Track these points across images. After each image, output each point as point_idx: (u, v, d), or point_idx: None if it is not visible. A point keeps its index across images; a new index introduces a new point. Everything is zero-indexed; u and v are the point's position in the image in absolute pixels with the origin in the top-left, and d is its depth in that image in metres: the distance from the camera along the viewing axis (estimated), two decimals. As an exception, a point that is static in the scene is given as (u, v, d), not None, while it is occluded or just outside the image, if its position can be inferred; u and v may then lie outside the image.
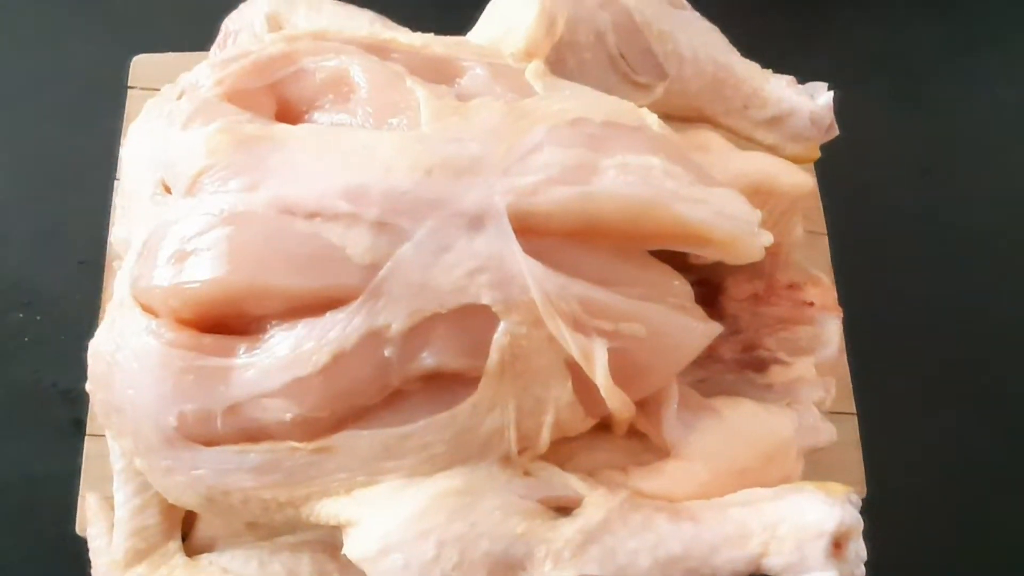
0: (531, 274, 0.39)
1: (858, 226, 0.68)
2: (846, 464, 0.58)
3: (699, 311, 0.44)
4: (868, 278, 0.67)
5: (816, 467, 0.51)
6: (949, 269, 0.72)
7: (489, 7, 0.53)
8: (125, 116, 0.61)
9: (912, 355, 0.69)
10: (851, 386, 0.60)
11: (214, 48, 0.57)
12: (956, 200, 0.74)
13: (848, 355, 0.60)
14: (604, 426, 0.46)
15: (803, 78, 0.58)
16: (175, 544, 0.49)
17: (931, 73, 0.79)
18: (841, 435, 0.54)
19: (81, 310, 0.60)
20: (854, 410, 0.61)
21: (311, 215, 0.39)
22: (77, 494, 0.53)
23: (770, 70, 0.57)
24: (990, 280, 0.72)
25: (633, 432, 0.46)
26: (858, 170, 0.72)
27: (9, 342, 0.62)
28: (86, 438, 0.54)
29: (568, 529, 0.40)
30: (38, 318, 0.63)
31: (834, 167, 0.62)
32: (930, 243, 0.73)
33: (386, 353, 0.39)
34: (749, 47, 0.58)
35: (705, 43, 0.55)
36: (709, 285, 0.54)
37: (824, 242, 0.65)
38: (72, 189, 0.65)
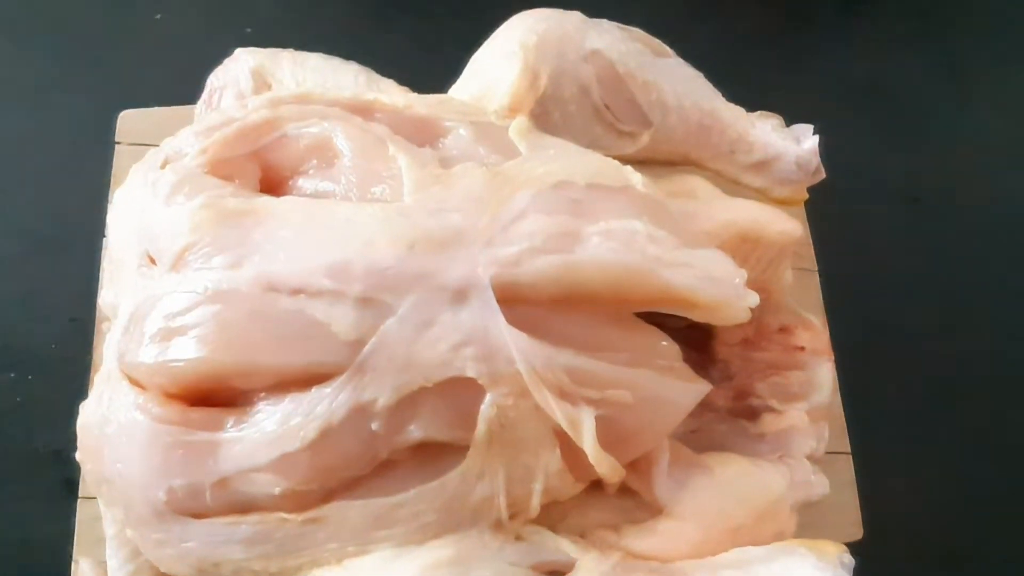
0: (516, 346, 0.39)
1: (848, 260, 0.68)
2: (841, 504, 0.58)
3: (687, 371, 0.44)
4: (860, 312, 0.67)
5: (811, 508, 0.50)
6: (942, 300, 0.72)
7: (472, 62, 0.53)
8: (113, 171, 0.60)
9: (907, 390, 0.68)
10: (845, 426, 0.60)
11: (200, 104, 0.57)
12: (946, 229, 0.74)
13: (841, 392, 0.60)
14: (596, 485, 0.46)
15: (789, 110, 0.59)
16: (169, 610, 0.49)
17: (917, 103, 0.79)
18: (835, 475, 0.54)
19: (72, 369, 0.60)
20: (848, 449, 0.61)
21: (295, 292, 0.39)
22: (69, 554, 0.52)
23: (756, 114, 0.57)
24: (984, 311, 0.72)
25: (625, 489, 0.46)
26: (846, 202, 0.72)
27: (0, 403, 0.62)
28: (79, 500, 0.54)
29: (560, 597, 0.40)
30: (29, 378, 0.62)
31: (822, 200, 0.62)
32: (922, 275, 0.73)
33: (373, 427, 0.39)
34: (735, 80, 0.58)
35: (689, 90, 0.55)
36: (699, 330, 0.54)
37: (815, 279, 0.64)
38: (61, 246, 0.65)
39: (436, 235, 0.39)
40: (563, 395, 0.39)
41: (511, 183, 0.42)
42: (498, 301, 0.39)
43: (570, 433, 0.40)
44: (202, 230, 0.40)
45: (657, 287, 0.41)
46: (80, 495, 0.54)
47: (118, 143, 0.61)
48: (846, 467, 0.60)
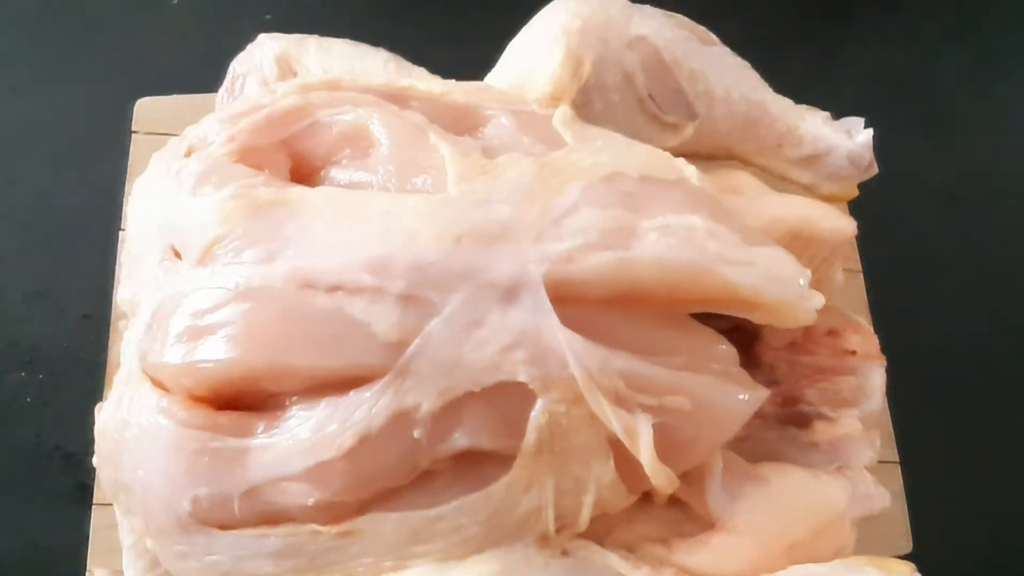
0: (571, 349, 0.36)
1: (891, 260, 0.66)
2: (890, 516, 0.55)
3: (745, 377, 0.42)
4: (904, 314, 0.64)
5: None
6: (986, 300, 0.69)
7: (509, 49, 0.51)
8: (129, 162, 0.58)
9: (953, 395, 0.66)
10: (893, 434, 0.58)
11: (221, 92, 0.54)
12: (984, 227, 0.72)
13: (888, 399, 0.57)
14: (644, 496, 0.43)
15: (823, 106, 0.56)
16: (189, 624, 0.46)
17: (953, 99, 0.77)
18: (884, 484, 0.51)
19: (85, 368, 0.58)
20: (896, 458, 0.58)
21: (333, 289, 0.36)
22: (84, 564, 0.50)
23: (804, 106, 0.55)
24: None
25: (673, 500, 0.44)
26: (887, 201, 0.70)
27: (10, 403, 0.59)
28: (94, 507, 0.51)
29: (612, 617, 0.38)
30: (40, 377, 0.60)
31: (863, 199, 0.59)
32: (965, 274, 0.70)
33: (415, 434, 0.36)
34: (773, 77, 0.55)
35: (737, 81, 0.52)
36: (744, 332, 0.51)
37: (860, 280, 0.62)
38: (75, 239, 0.62)
39: (483, 228, 0.37)
40: (619, 401, 0.37)
41: (560, 174, 0.39)
42: (550, 300, 0.36)
43: (625, 442, 0.37)
44: (232, 222, 0.38)
45: (719, 287, 0.38)
46: (95, 502, 0.51)
47: (135, 132, 0.59)
48: (894, 477, 0.58)
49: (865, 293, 0.61)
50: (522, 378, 0.36)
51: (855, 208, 0.60)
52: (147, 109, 0.59)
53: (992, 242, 0.72)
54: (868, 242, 0.62)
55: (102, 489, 0.51)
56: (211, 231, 0.38)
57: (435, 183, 0.39)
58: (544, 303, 0.36)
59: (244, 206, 0.38)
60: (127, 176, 0.57)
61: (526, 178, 0.39)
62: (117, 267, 0.54)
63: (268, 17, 0.71)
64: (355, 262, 0.36)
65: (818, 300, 0.40)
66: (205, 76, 0.55)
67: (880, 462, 0.54)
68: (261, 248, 0.37)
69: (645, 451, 0.37)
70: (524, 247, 0.37)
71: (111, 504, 0.47)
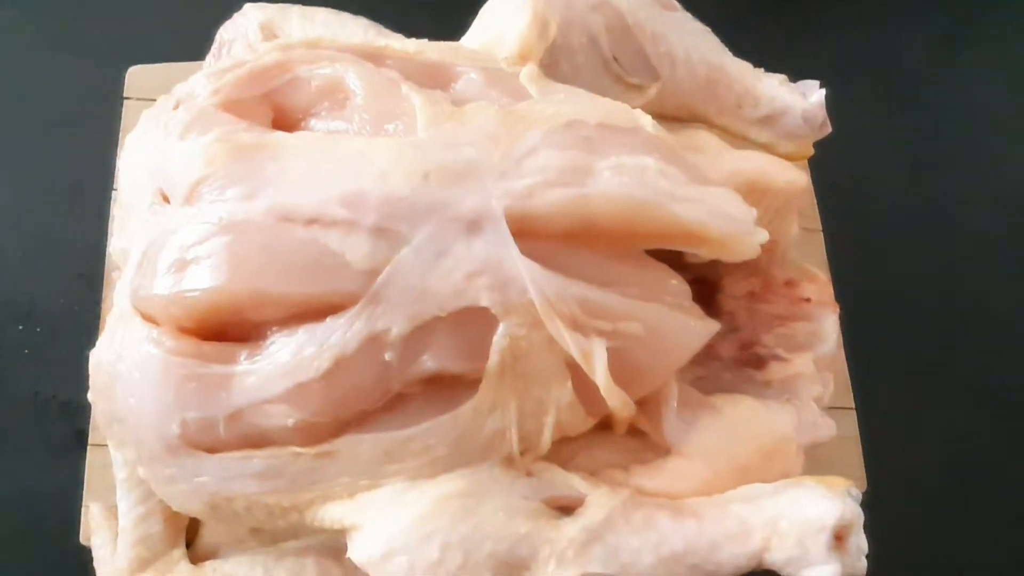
0: (529, 276, 0.39)
1: (852, 222, 0.69)
2: (845, 459, 0.58)
3: (697, 310, 0.45)
4: (863, 274, 0.67)
5: (816, 463, 0.51)
6: (944, 263, 0.73)
7: (482, 12, 0.54)
8: (121, 127, 0.61)
9: (909, 349, 0.69)
10: (849, 382, 0.61)
11: (209, 58, 0.57)
12: (948, 195, 0.75)
13: (845, 351, 0.60)
14: (604, 425, 0.46)
15: (794, 77, 0.59)
16: (179, 552, 0.49)
17: (921, 70, 0.80)
18: (840, 431, 0.54)
19: (80, 322, 0.60)
20: (852, 405, 0.61)
21: (309, 222, 0.39)
22: (79, 506, 0.53)
23: (762, 69, 0.58)
24: (985, 273, 0.72)
25: (633, 431, 0.47)
26: (850, 167, 0.73)
27: (8, 355, 0.62)
28: (88, 448, 0.54)
29: (571, 528, 0.41)
30: (37, 330, 0.63)
31: (827, 164, 0.62)
32: (924, 238, 0.73)
33: (387, 357, 0.39)
34: (740, 47, 0.58)
35: (697, 44, 0.55)
36: (706, 283, 0.54)
37: (819, 239, 0.65)
38: (69, 201, 0.65)
39: (450, 167, 0.40)
40: (575, 326, 0.40)
41: (523, 121, 0.42)
42: (511, 233, 0.39)
43: (582, 364, 0.40)
44: (216, 163, 0.40)
45: (668, 221, 0.41)
46: (90, 443, 0.54)
47: (127, 98, 0.62)
48: (850, 423, 0.60)
49: (824, 251, 0.64)
50: (484, 303, 0.39)
51: (820, 172, 0.63)
52: (138, 76, 0.62)
53: (952, 208, 0.75)
54: (830, 204, 0.64)
55: (97, 430, 0.53)
56: (196, 172, 0.41)
57: (407, 128, 0.42)
58: (505, 234, 0.39)
59: (227, 149, 0.41)
60: (119, 140, 0.60)
61: (491, 124, 0.42)
62: (110, 224, 0.57)
63: (256, -12, 0.73)
64: (330, 197, 0.39)
65: (762, 235, 0.43)
66: (194, 45, 0.58)
67: (836, 408, 0.57)
68: (243, 186, 0.40)
69: (600, 373, 0.40)
70: (487, 184, 0.40)
71: (106, 445, 0.50)
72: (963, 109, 0.78)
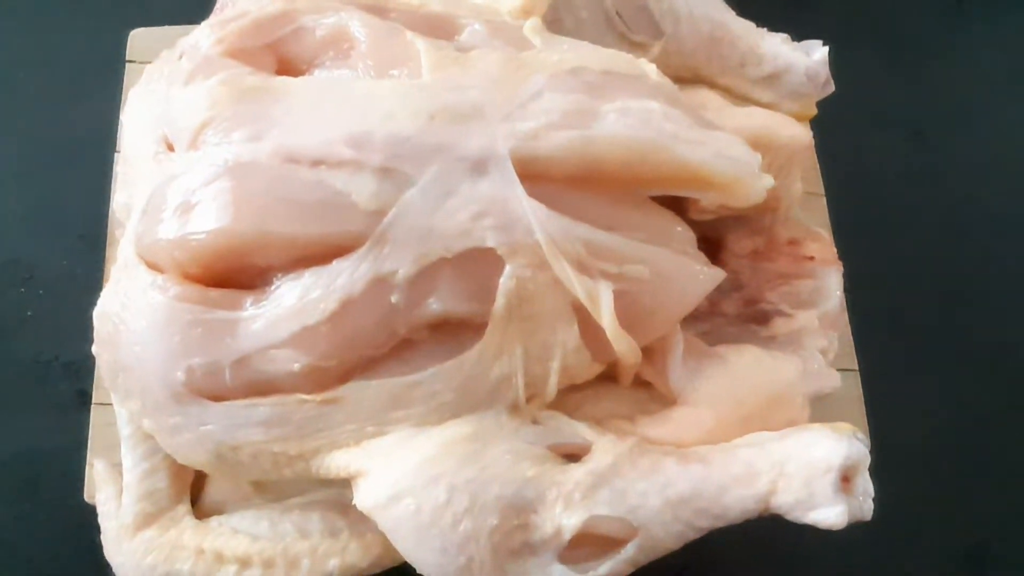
0: (535, 216, 0.39)
1: (854, 187, 0.69)
2: (848, 421, 0.58)
3: (702, 257, 0.44)
4: (866, 238, 0.67)
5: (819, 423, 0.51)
6: (945, 227, 0.73)
7: (485, -32, 0.54)
8: (124, 89, 0.60)
9: (912, 312, 0.69)
10: (853, 343, 0.61)
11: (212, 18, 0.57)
12: (950, 159, 0.75)
13: (849, 313, 0.60)
14: (610, 377, 0.46)
15: (795, 39, 0.59)
16: (184, 507, 0.49)
17: (923, 35, 0.80)
18: (843, 391, 0.54)
19: (82, 284, 0.60)
20: (856, 367, 0.61)
21: (315, 163, 0.39)
22: (83, 466, 0.52)
23: (765, 28, 0.58)
24: (987, 235, 0.73)
25: (639, 382, 0.47)
26: (853, 132, 0.73)
27: (10, 317, 0.62)
28: (92, 407, 0.54)
29: (578, 472, 0.41)
30: (40, 292, 0.62)
31: (829, 129, 0.62)
32: (926, 202, 0.73)
33: (393, 299, 0.39)
34: (741, 9, 0.58)
35: (701, 2, 0.55)
36: (709, 241, 0.54)
37: (822, 203, 0.65)
38: (71, 163, 0.65)
39: (456, 108, 0.40)
40: (581, 268, 0.40)
41: (527, 67, 0.42)
42: (517, 175, 0.39)
43: (588, 306, 0.40)
44: (221, 105, 0.40)
45: (673, 163, 0.41)
46: (93, 402, 0.54)
47: (130, 62, 0.61)
48: (854, 384, 0.60)
49: (827, 215, 0.64)
50: (490, 243, 0.39)
51: (822, 137, 0.63)
52: (141, 39, 0.62)
53: (954, 173, 0.75)
54: (833, 169, 0.64)
55: (100, 388, 0.53)
56: (201, 115, 0.41)
57: (412, 73, 0.42)
58: (511, 175, 0.39)
59: (232, 91, 0.40)
60: (121, 103, 0.59)
61: (496, 69, 0.42)
62: (112, 184, 0.56)
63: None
64: (336, 138, 0.39)
65: (768, 180, 0.43)
66: (197, 7, 0.58)
67: (840, 369, 0.57)
68: (248, 128, 0.40)
69: (606, 315, 0.40)
70: (493, 125, 0.40)
71: (109, 404, 0.50)
72: (966, 74, 0.79)
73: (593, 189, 0.41)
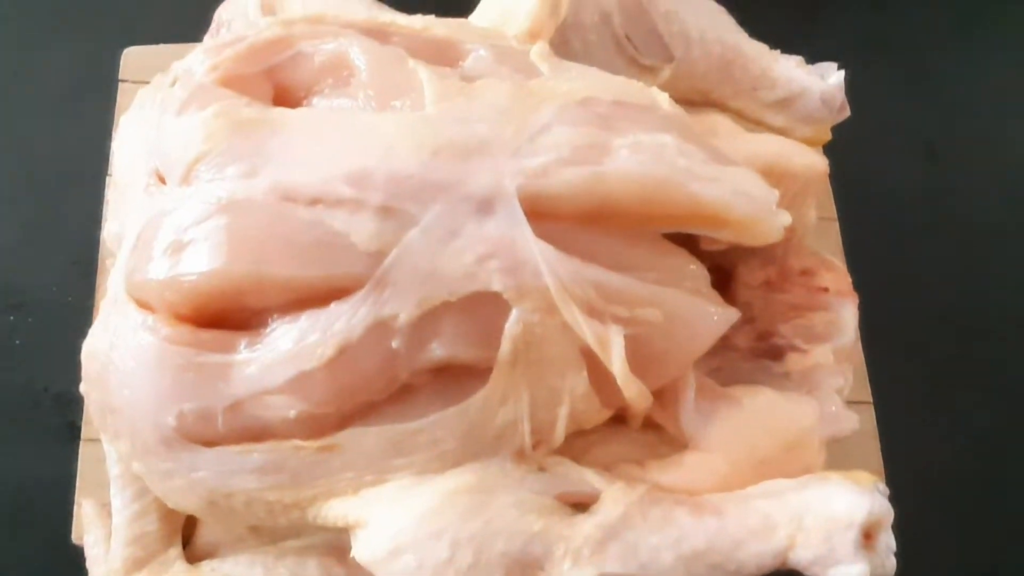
0: (544, 258, 0.37)
1: (867, 211, 0.67)
2: (863, 456, 0.56)
3: (716, 296, 0.43)
4: (879, 264, 0.65)
5: (832, 460, 0.49)
6: (962, 252, 0.70)
7: (490, -11, 0.52)
8: (116, 110, 0.59)
9: (927, 341, 0.67)
10: (867, 375, 0.59)
11: (207, 39, 0.55)
12: (966, 182, 0.73)
13: (861, 343, 0.58)
14: (619, 419, 0.44)
15: (808, 61, 0.57)
16: (175, 551, 0.47)
17: (937, 55, 0.78)
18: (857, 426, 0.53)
19: (73, 312, 0.58)
20: (870, 399, 0.59)
21: (313, 201, 0.37)
22: (73, 500, 0.51)
23: (778, 51, 0.56)
24: (1005, 262, 0.70)
25: (649, 424, 0.45)
26: (865, 154, 0.71)
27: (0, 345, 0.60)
28: (81, 443, 0.52)
29: (587, 525, 0.39)
30: (29, 320, 0.61)
31: (841, 151, 0.61)
32: (942, 226, 0.71)
33: (394, 344, 0.37)
34: (752, 29, 0.56)
35: (713, 23, 0.54)
36: (720, 272, 0.52)
37: (835, 228, 0.63)
38: (63, 187, 0.63)
39: (461, 143, 0.38)
40: (591, 312, 0.38)
41: (536, 97, 0.41)
42: (525, 214, 0.37)
43: (598, 352, 0.38)
44: (215, 139, 0.38)
45: (688, 200, 0.39)
46: (83, 437, 0.52)
47: (123, 81, 0.60)
48: (868, 417, 0.59)
49: (840, 240, 0.62)
50: (496, 287, 0.37)
51: (834, 159, 0.61)
52: (135, 58, 0.60)
53: (969, 196, 0.73)
54: (846, 192, 0.63)
55: (90, 424, 0.51)
56: (194, 149, 0.39)
57: (414, 104, 0.40)
58: (518, 215, 0.37)
59: (227, 124, 0.39)
60: (115, 124, 0.58)
61: (503, 99, 0.40)
62: (104, 210, 0.55)
63: (255, -29, 0.71)
64: (335, 175, 0.37)
65: (785, 218, 0.41)
66: (192, 25, 0.56)
67: (853, 402, 0.55)
68: (243, 164, 0.38)
69: (617, 361, 0.38)
70: (500, 161, 0.38)
71: (99, 440, 0.48)
72: (981, 94, 0.77)
73: (604, 227, 0.40)
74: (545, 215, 0.38)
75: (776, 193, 0.41)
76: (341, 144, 0.38)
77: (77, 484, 0.51)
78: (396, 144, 0.37)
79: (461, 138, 0.38)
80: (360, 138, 0.38)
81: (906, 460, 0.57)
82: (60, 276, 0.61)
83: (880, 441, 0.58)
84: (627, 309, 0.39)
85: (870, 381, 0.59)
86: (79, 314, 0.56)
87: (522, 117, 0.39)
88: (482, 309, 0.37)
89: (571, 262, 0.38)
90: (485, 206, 0.37)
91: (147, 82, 0.60)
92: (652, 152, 0.39)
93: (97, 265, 0.55)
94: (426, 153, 0.37)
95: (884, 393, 0.58)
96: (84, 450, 0.52)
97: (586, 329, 0.38)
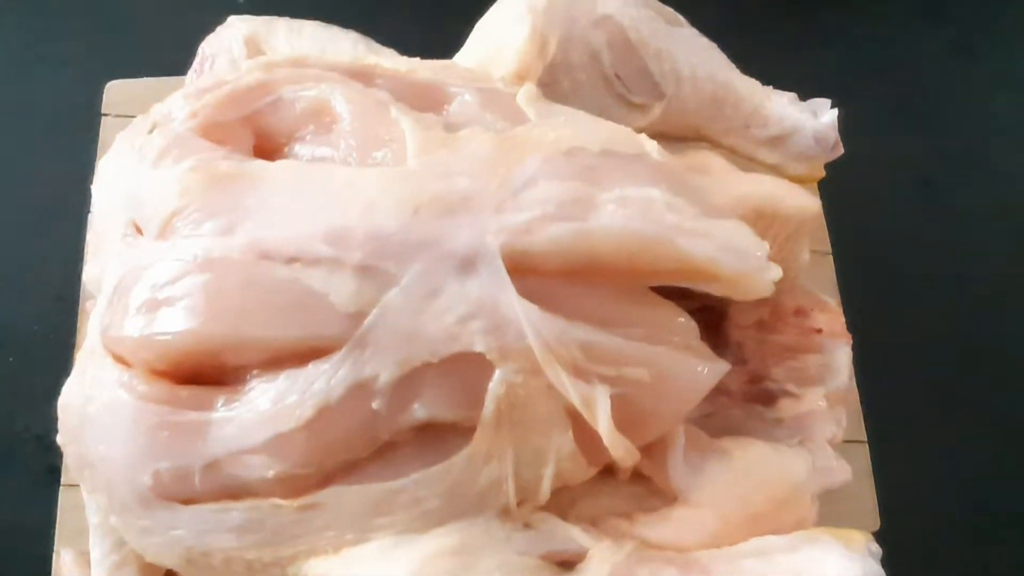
0: (527, 319, 0.36)
1: (862, 243, 0.66)
2: (857, 496, 0.56)
3: (705, 350, 0.42)
4: (874, 298, 0.65)
5: (825, 500, 0.48)
6: (959, 285, 0.70)
7: (477, 27, 0.51)
8: (100, 144, 0.58)
9: (924, 377, 0.66)
10: (861, 413, 0.58)
11: (191, 73, 0.54)
12: (962, 214, 0.72)
13: (856, 379, 0.57)
14: (607, 471, 0.43)
15: (799, 89, 0.56)
16: (155, 603, 0.46)
17: (931, 85, 0.77)
18: (852, 464, 0.52)
19: (56, 349, 0.57)
20: (864, 437, 0.58)
21: (291, 260, 0.36)
22: (51, 545, 0.50)
23: (771, 87, 0.55)
24: (1004, 295, 0.70)
25: (637, 476, 0.44)
26: (858, 184, 0.70)
27: (-20, 384, 0.59)
28: (61, 488, 0.51)
29: (572, 588, 0.38)
30: (10, 359, 0.60)
31: (835, 183, 0.60)
32: (938, 259, 0.70)
33: (374, 405, 0.37)
34: (743, 58, 0.56)
35: (704, 61, 0.53)
36: (712, 312, 0.52)
37: (829, 262, 0.62)
38: (46, 221, 0.62)
39: (442, 199, 0.37)
40: (577, 372, 0.37)
41: (520, 148, 0.40)
42: (508, 272, 0.37)
43: (584, 413, 0.37)
44: (191, 194, 0.38)
45: (676, 257, 0.38)
46: (63, 482, 0.51)
47: (105, 115, 0.59)
48: (862, 456, 0.58)
49: (835, 275, 0.61)
50: (479, 348, 0.36)
51: (828, 192, 0.60)
52: (118, 91, 0.59)
53: (966, 227, 0.72)
54: (840, 225, 0.62)
55: (69, 469, 0.50)
56: (171, 203, 0.38)
57: (396, 157, 0.39)
58: (501, 274, 0.36)
59: (204, 178, 0.38)
60: (97, 159, 0.57)
61: (486, 151, 0.39)
62: (86, 247, 0.54)
63: (242, 1, 0.71)
64: (313, 233, 0.36)
65: (775, 272, 0.40)
66: (178, 58, 0.55)
67: (848, 441, 0.55)
68: (220, 220, 0.37)
69: (603, 422, 0.37)
70: (482, 218, 0.37)
71: (78, 485, 0.47)
72: (976, 124, 0.76)
73: (589, 282, 0.39)
74: (529, 271, 0.37)
75: (766, 246, 0.40)
76: (320, 200, 0.37)
77: (56, 531, 0.50)
78: (376, 201, 0.37)
79: (443, 194, 0.37)
80: (339, 194, 0.37)
81: (901, 499, 0.56)
82: (43, 313, 0.60)
83: (875, 481, 0.57)
84: (614, 368, 0.38)
85: (864, 419, 0.58)
86: (62, 352, 0.55)
87: (506, 170, 0.38)
88: (465, 370, 0.37)
89: (556, 321, 0.37)
90: (467, 264, 0.36)
91: (130, 116, 0.59)
92: (639, 207, 0.38)
93: (80, 301, 0.54)
94: (407, 210, 0.36)
95: (879, 432, 0.58)
96: (64, 496, 0.51)
97: (571, 390, 0.37)
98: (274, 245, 0.36)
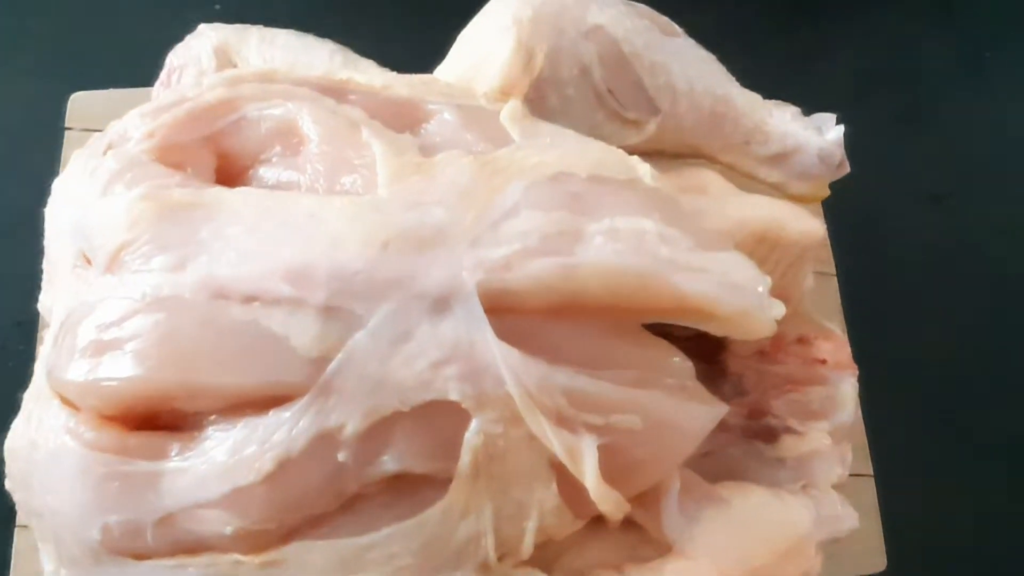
0: (506, 363, 0.33)
1: (868, 264, 0.63)
2: (863, 531, 0.52)
3: (701, 391, 0.39)
4: (881, 321, 0.62)
5: (831, 536, 0.46)
6: (969, 307, 0.67)
7: (459, 39, 0.48)
8: (62, 160, 0.55)
9: (932, 406, 0.63)
10: (867, 445, 0.55)
11: (157, 85, 0.51)
12: (971, 230, 0.69)
13: (861, 409, 0.54)
14: (596, 519, 0.40)
15: (803, 101, 0.53)
16: (113, 655, 0.43)
17: (935, 97, 0.74)
18: (857, 499, 0.49)
19: (15, 378, 0.54)
20: (871, 471, 0.55)
21: (248, 299, 0.33)
22: (9, 587, 0.47)
23: (773, 102, 0.52)
24: (1017, 318, 0.66)
25: (629, 523, 0.41)
26: (864, 202, 0.67)
27: (-66, 415, 0.56)
28: (16, 529, 0.48)
29: (556, 653, 0.35)
30: (-34, 389, 0.57)
31: (840, 200, 0.57)
32: (947, 279, 0.67)
33: (340, 457, 0.33)
34: (745, 70, 0.53)
35: (702, 74, 0.49)
36: (709, 340, 0.49)
37: (833, 284, 0.59)
38: (5, 241, 0.59)
39: (414, 233, 0.34)
40: (561, 421, 0.34)
41: (502, 174, 0.36)
42: (486, 311, 0.33)
43: (568, 465, 0.34)
44: (141, 226, 0.34)
45: (670, 295, 0.35)
46: (17, 524, 0.48)
47: (68, 128, 0.56)
48: (868, 490, 0.55)
49: (839, 298, 0.58)
50: (454, 396, 0.33)
51: (832, 209, 0.57)
52: (82, 103, 0.56)
53: (975, 245, 0.69)
54: (844, 245, 0.59)
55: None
56: (119, 235, 0.35)
57: (366, 183, 0.36)
58: (478, 314, 0.33)
59: (154, 208, 0.35)
60: (60, 173, 0.54)
61: (464, 178, 0.36)
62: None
63: (217, 7, 0.68)
64: (273, 270, 0.33)
65: (778, 309, 0.37)
66: (147, 70, 0.52)
67: (853, 475, 0.51)
68: (172, 254, 0.34)
69: (590, 475, 0.34)
70: (458, 253, 0.34)
71: (34, 526, 0.44)
72: (987, 138, 0.73)
73: (576, 321, 0.36)
74: (509, 310, 0.34)
75: (768, 281, 0.37)
76: (281, 234, 0.34)
77: (11, 574, 0.47)
78: (342, 235, 0.33)
79: (415, 227, 0.34)
80: (302, 227, 0.34)
81: (910, 537, 0.54)
82: (3, 338, 0.57)
83: (881, 516, 0.54)
84: (601, 416, 0.35)
85: (870, 451, 0.55)
86: (23, 381, 0.51)
87: (485, 199, 0.35)
88: (438, 419, 0.33)
89: (537, 365, 0.34)
90: (441, 305, 0.33)
91: (95, 129, 0.56)
92: (630, 240, 0.35)
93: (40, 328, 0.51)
94: (375, 246, 0.33)
95: (886, 465, 0.55)
96: (19, 538, 0.48)
97: (555, 440, 0.34)
98: (230, 283, 0.33)
